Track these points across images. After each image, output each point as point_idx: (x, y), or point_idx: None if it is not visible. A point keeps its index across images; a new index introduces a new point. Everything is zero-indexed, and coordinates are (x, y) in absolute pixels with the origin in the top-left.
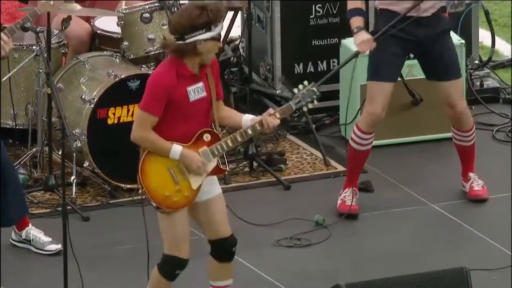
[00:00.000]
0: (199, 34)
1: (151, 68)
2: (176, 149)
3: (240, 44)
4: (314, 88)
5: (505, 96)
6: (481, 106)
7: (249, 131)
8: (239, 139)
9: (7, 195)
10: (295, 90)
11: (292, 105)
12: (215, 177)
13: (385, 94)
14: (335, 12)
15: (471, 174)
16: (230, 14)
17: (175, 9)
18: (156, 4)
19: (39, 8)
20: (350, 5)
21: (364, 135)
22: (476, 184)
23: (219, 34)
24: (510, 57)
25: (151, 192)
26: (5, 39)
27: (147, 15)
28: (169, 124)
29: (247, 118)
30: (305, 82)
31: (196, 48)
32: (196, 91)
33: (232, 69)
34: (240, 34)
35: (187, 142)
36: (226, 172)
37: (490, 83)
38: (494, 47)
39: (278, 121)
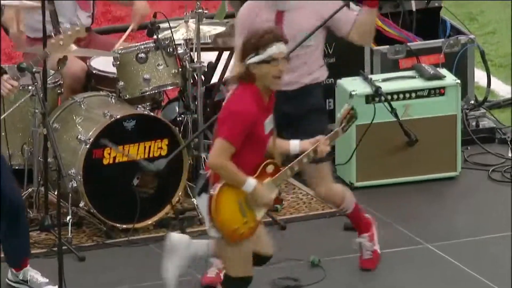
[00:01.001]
0: (250, 58)
1: (147, 108)
2: (251, 182)
3: None
4: (351, 107)
5: (501, 136)
6: (477, 146)
7: (305, 160)
8: (296, 168)
9: (19, 235)
10: (338, 115)
11: (339, 130)
12: None
13: None
14: (330, 52)
15: (360, 239)
16: (225, 54)
17: (171, 49)
18: (151, 44)
19: (49, 48)
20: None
21: None
22: (366, 250)
23: (272, 58)
24: (506, 97)
25: (220, 225)
26: (14, 84)
27: (143, 55)
28: (240, 155)
29: (295, 144)
30: (345, 105)
31: (251, 73)
32: (269, 123)
33: None
34: None
35: (252, 174)
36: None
37: (485, 123)
38: (489, 87)
39: (329, 148)
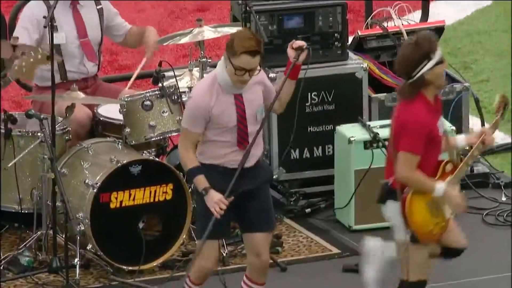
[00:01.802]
0: (423, 67)
1: (152, 154)
2: (440, 187)
3: None
4: (502, 95)
5: (495, 181)
6: (471, 191)
7: (475, 153)
8: (470, 162)
9: None
10: (494, 104)
11: (498, 118)
12: None
13: (216, 249)
14: (330, 99)
15: None
16: None
17: (175, 97)
18: (156, 92)
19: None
20: (189, 163)
21: (194, 286)
22: None
23: (441, 57)
24: (499, 143)
25: (415, 227)
26: None
27: (148, 102)
28: (422, 159)
29: (461, 138)
30: (497, 96)
31: (426, 80)
32: (441, 124)
33: None
34: None
35: (434, 174)
36: (225, 254)
37: (480, 168)
38: None
39: (494, 138)
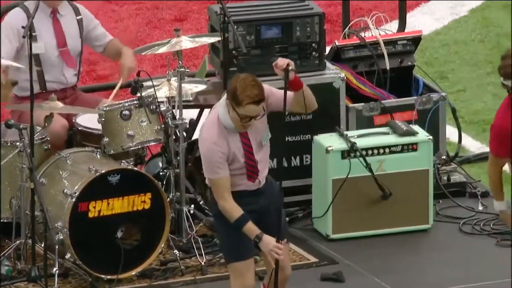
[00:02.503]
0: None
1: (131, 163)
2: (497, 204)
3: None
4: None
5: (471, 190)
6: (448, 200)
7: None
8: None
9: None
10: None
11: None
12: None
13: (252, 267)
14: None
15: None
16: (206, 111)
17: (154, 106)
18: (135, 102)
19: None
20: (233, 213)
21: None
22: None
23: None
24: (476, 152)
25: None
26: None
27: (127, 112)
28: None
29: None
30: None
31: None
32: None
33: None
34: None
35: None
36: (203, 263)
37: (457, 177)
38: (460, 143)
39: None
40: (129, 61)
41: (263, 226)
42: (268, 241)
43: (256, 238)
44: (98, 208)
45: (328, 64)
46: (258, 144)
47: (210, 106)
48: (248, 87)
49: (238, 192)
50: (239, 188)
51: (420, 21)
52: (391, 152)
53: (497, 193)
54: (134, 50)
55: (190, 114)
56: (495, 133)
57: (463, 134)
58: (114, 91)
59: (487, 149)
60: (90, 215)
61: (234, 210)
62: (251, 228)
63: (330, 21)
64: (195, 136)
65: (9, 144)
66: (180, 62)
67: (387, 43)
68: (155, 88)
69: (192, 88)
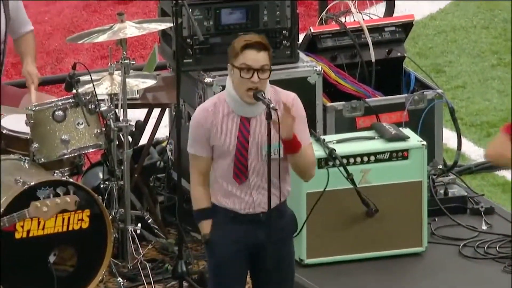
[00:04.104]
0: None
1: (65, 174)
2: None
3: (168, 146)
4: None
5: (473, 206)
6: (446, 218)
7: None
8: None
9: None
10: None
11: None
12: None
13: None
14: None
15: None
16: (156, 112)
17: (92, 106)
18: (70, 100)
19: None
20: (195, 202)
21: None
22: None
23: None
24: (478, 161)
25: None
26: None
27: (60, 112)
28: None
29: None
30: None
31: None
32: None
33: (159, 175)
34: (168, 135)
35: None
36: None
37: (456, 191)
38: (460, 149)
39: None
40: (34, 68)
41: (258, 269)
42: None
43: (203, 238)
44: (27, 228)
45: (301, 55)
46: (256, 147)
47: (160, 105)
48: (245, 36)
49: (234, 215)
50: (231, 206)
51: (412, 4)
52: (377, 161)
53: None
54: (68, 38)
55: (136, 115)
56: None
57: (463, 139)
58: (33, 96)
59: None
60: (17, 235)
61: (198, 199)
62: (204, 227)
63: (304, 3)
64: (143, 141)
65: None
66: (125, 53)
67: (372, 30)
68: (94, 83)
69: (138, 83)
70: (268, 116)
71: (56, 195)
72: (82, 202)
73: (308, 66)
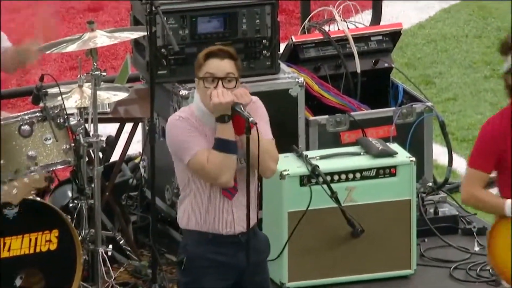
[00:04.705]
0: None
1: (32, 193)
2: (509, 203)
3: (141, 163)
4: None
5: (465, 226)
6: (436, 239)
7: None
8: None
9: None
10: None
11: None
12: None
13: None
14: None
15: None
16: (128, 126)
17: (61, 120)
18: (37, 114)
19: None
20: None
21: None
22: None
23: None
24: None
25: (497, 269)
26: None
27: (27, 127)
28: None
29: None
30: None
31: None
32: None
33: (131, 194)
34: (141, 151)
35: None
36: None
37: (446, 210)
38: (451, 166)
39: None
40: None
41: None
42: None
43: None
44: None
45: (283, 66)
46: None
47: (133, 120)
48: (209, 48)
49: (214, 236)
50: (214, 229)
51: (400, 12)
52: (363, 178)
53: (498, 203)
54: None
55: (107, 129)
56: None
57: (454, 155)
58: None
59: None
60: None
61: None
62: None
63: (285, 11)
64: (114, 158)
65: None
66: (95, 64)
67: (358, 39)
68: (63, 96)
69: (110, 96)
70: (247, 131)
71: (23, 213)
72: (50, 222)
73: (289, 77)
